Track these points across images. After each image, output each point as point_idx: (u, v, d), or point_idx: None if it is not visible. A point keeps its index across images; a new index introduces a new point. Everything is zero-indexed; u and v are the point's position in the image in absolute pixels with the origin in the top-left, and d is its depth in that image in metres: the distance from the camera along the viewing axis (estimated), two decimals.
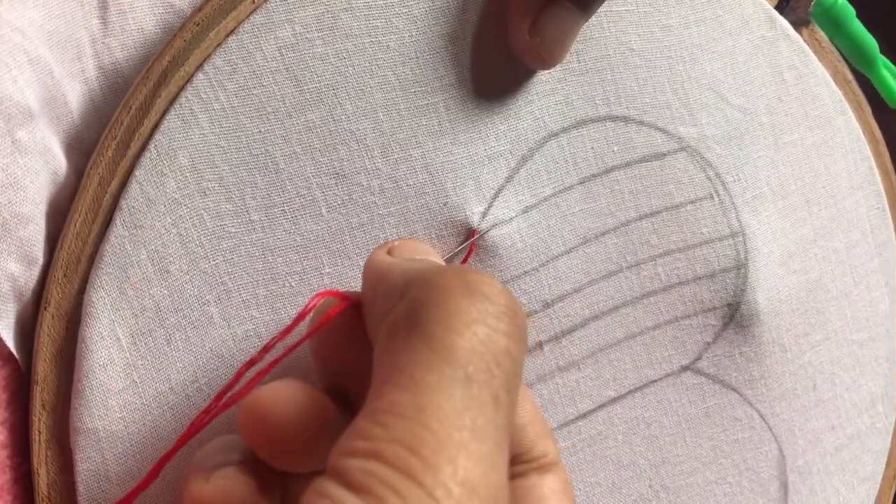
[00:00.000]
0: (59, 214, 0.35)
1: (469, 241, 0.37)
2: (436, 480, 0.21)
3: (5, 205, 0.32)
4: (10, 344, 0.33)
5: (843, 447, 0.46)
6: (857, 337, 0.46)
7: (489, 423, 0.23)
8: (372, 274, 0.29)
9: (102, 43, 0.35)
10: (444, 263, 0.32)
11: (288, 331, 0.31)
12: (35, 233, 0.34)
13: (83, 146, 0.36)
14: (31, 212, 0.34)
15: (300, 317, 0.30)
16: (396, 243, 0.31)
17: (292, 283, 0.36)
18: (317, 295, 0.31)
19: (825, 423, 0.45)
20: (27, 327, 0.34)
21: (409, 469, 0.22)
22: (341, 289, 0.36)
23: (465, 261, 0.37)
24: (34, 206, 0.34)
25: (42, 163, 0.34)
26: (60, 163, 0.35)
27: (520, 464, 0.32)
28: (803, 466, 0.45)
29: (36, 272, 0.34)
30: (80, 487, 0.33)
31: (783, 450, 0.44)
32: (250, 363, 0.31)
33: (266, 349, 0.31)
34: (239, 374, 0.31)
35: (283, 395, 0.28)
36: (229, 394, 0.31)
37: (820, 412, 0.45)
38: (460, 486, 0.22)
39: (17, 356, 0.34)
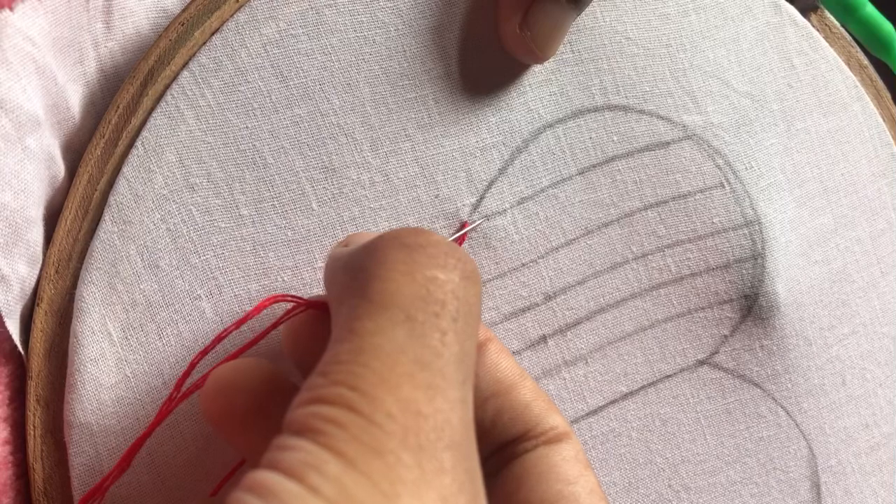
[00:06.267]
0: (55, 216, 0.34)
1: (459, 233, 0.35)
2: (375, 408, 0.21)
3: (18, 210, 0.32)
4: (19, 342, 0.33)
5: (879, 446, 0.42)
6: (888, 330, 0.42)
7: (437, 357, 0.23)
8: (329, 269, 0.28)
9: (105, 46, 0.35)
10: None
11: (239, 323, 0.30)
12: (38, 234, 0.33)
13: (83, 148, 0.35)
14: (37, 214, 0.33)
15: (250, 314, 0.30)
16: (351, 235, 0.31)
17: (285, 279, 0.34)
18: (270, 298, 0.30)
19: (858, 421, 0.41)
20: (28, 324, 0.33)
21: (348, 402, 0.21)
22: None
23: None
24: (38, 208, 0.33)
25: (45, 168, 0.33)
26: (60, 167, 0.34)
27: (528, 440, 0.30)
28: (836, 466, 0.41)
29: (37, 272, 0.33)
30: (75, 482, 0.32)
31: (813, 448, 0.40)
32: (203, 353, 0.31)
33: (218, 339, 0.30)
34: (192, 365, 0.30)
35: (244, 368, 0.28)
36: (188, 383, 0.30)
37: (852, 409, 0.41)
38: (403, 410, 0.21)
39: (23, 354, 0.33)
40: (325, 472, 0.20)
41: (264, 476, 0.20)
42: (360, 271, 0.25)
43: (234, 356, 0.30)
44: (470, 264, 0.25)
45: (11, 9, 0.32)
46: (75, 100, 0.35)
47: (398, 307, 0.23)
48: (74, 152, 0.35)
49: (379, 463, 0.20)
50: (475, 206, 0.36)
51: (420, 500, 0.20)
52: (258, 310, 0.30)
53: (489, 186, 0.36)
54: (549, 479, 0.30)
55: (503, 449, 0.31)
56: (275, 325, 0.30)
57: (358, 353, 0.22)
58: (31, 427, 0.32)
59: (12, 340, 0.33)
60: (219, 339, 0.30)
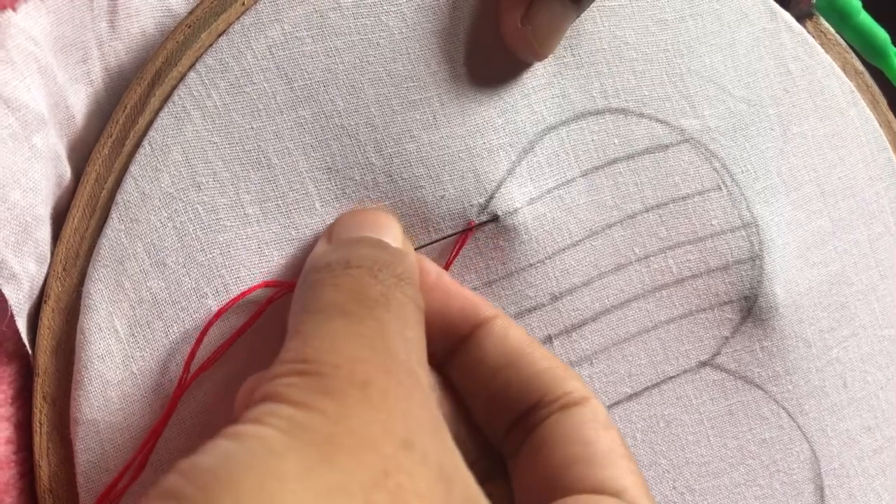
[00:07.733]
0: (62, 216, 0.34)
1: (461, 231, 0.35)
2: (322, 364, 0.24)
3: (27, 208, 0.32)
4: (26, 340, 0.33)
5: (881, 449, 0.42)
6: (888, 333, 0.42)
7: (378, 335, 0.26)
8: (302, 275, 0.31)
9: (109, 46, 0.35)
10: (392, 223, 0.33)
11: (233, 302, 0.33)
12: (46, 232, 0.33)
13: (87, 149, 0.35)
14: (45, 213, 0.33)
15: (245, 294, 0.33)
16: (335, 222, 0.33)
17: (289, 277, 0.34)
18: (261, 283, 0.33)
19: (860, 424, 0.41)
20: (35, 322, 0.33)
21: (298, 370, 0.24)
22: None
23: (456, 253, 0.35)
24: (46, 207, 0.33)
25: (52, 167, 0.33)
26: (66, 167, 0.34)
27: (542, 408, 0.30)
28: (839, 469, 0.41)
29: (45, 270, 0.33)
30: (80, 479, 0.32)
31: (816, 451, 0.40)
32: (205, 329, 0.33)
33: (219, 314, 0.33)
34: (198, 342, 0.32)
35: None
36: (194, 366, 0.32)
37: (853, 411, 0.41)
38: (349, 360, 0.24)
39: (30, 352, 0.33)
40: (279, 414, 0.22)
41: (232, 427, 0.22)
42: (304, 299, 0.28)
43: (231, 341, 0.33)
44: (391, 257, 0.29)
45: (14, 9, 0.32)
46: (74, 100, 0.35)
47: (332, 308, 0.27)
48: (78, 152, 0.35)
49: (327, 399, 0.22)
50: (483, 207, 0.36)
51: (367, 420, 0.22)
52: (250, 291, 0.33)
53: (498, 187, 0.36)
54: (565, 443, 0.29)
55: (519, 422, 0.31)
56: (263, 309, 0.33)
57: (304, 340, 0.25)
58: (38, 424, 0.32)
59: (16, 340, 0.32)
60: (219, 314, 0.33)
